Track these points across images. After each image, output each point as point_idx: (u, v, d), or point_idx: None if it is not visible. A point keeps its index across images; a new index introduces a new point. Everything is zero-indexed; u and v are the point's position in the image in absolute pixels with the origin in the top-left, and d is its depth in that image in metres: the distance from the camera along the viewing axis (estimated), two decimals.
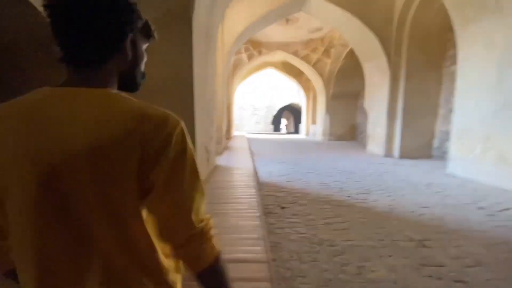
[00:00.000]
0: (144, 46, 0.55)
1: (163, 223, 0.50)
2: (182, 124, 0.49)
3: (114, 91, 0.50)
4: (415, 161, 7.09)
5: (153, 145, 0.45)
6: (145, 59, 0.56)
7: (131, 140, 0.44)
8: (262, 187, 4.10)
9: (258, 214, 2.64)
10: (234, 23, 7.44)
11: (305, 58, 13.03)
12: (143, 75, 0.56)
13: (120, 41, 0.49)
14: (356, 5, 7.39)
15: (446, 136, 7.20)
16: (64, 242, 0.44)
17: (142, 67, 0.56)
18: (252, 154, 7.63)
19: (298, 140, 13.89)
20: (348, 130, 13.56)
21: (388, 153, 7.87)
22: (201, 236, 0.52)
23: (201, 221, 0.52)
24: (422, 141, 7.64)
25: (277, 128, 27.28)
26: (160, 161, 0.45)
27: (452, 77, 7.08)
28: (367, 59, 8.52)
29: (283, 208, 3.39)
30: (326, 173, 5.39)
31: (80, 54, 0.47)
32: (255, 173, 4.66)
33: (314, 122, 16.87)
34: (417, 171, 5.70)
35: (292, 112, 26.03)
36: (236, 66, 12.98)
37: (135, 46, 0.52)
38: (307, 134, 17.78)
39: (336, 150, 9.50)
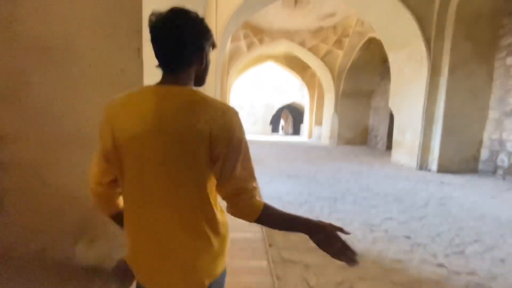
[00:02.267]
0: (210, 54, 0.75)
1: (228, 185, 0.68)
2: (239, 114, 0.71)
3: (193, 88, 0.72)
4: (461, 177, 5.50)
5: (219, 126, 0.63)
6: (209, 64, 0.75)
7: (203, 122, 0.63)
8: (274, 240, 2.41)
9: None
10: None
11: (313, 49, 11.37)
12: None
13: (200, 54, 0.71)
14: None
15: (498, 146, 5.63)
16: (159, 188, 0.65)
17: (208, 68, 0.76)
18: None
19: (302, 144, 12.25)
20: (359, 133, 11.97)
21: (423, 166, 6.26)
22: (252, 191, 0.69)
23: (254, 182, 0.70)
24: (467, 152, 6.06)
25: (275, 129, 25.65)
26: (223, 138, 0.64)
27: (508, 72, 5.51)
28: (396, 47, 6.88)
29: None
30: (363, 200, 3.73)
31: (172, 63, 0.68)
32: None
33: (319, 123, 15.25)
34: (483, 197, 4.09)
35: (291, 112, 24.40)
36: (233, 56, 11.25)
37: (206, 55, 0.73)
38: (310, 136, 16.16)
39: (352, 158, 7.86)
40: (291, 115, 26.12)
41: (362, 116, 11.85)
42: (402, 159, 6.80)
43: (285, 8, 9.31)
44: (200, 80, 0.75)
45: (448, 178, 5.43)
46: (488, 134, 5.93)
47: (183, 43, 0.65)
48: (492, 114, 5.86)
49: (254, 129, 20.01)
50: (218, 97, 6.77)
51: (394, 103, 7.28)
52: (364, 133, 11.96)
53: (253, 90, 19.90)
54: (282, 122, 29.19)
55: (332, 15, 9.68)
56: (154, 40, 0.67)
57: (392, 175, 5.48)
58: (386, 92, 10.59)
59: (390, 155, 8.66)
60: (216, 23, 5.73)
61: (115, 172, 0.70)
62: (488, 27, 5.74)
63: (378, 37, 8.75)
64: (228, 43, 10.35)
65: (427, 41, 5.94)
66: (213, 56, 5.88)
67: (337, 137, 11.89)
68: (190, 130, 0.62)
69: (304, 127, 17.72)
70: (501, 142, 5.59)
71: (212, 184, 0.68)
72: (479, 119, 5.97)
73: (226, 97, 11.50)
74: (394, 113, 7.30)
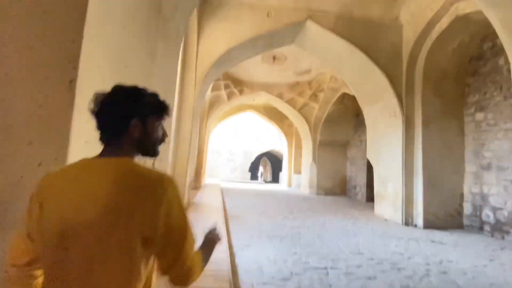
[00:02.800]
0: (158, 122, 0.77)
1: (163, 262, 0.67)
2: (175, 182, 0.68)
3: (130, 159, 0.73)
4: (449, 234, 5.21)
5: (152, 202, 0.62)
6: (159, 132, 0.78)
7: (134, 197, 0.62)
8: None
9: None
10: (213, 42, 5.81)
11: (291, 102, 11.79)
12: (161, 141, 0.79)
13: (125, 125, 0.71)
14: (359, 38, 6.26)
15: (481, 200, 5.57)
16: (84, 267, 0.60)
17: (156, 137, 0.77)
18: (227, 219, 5.27)
19: (282, 193, 11.74)
20: (337, 183, 11.83)
21: (408, 221, 5.95)
22: (188, 270, 0.70)
23: (190, 259, 0.70)
24: (450, 206, 5.91)
25: (254, 176, 25.14)
26: (157, 214, 0.62)
27: (479, 127, 5.78)
28: (370, 101, 7.19)
29: None
30: (357, 270, 3.17)
31: (108, 136, 0.72)
32: None
33: (298, 171, 15.08)
34: (481, 260, 3.73)
35: (270, 159, 24.38)
36: (214, 104, 11.28)
37: (145, 123, 0.73)
38: (290, 184, 15.79)
39: (335, 210, 7.44)
40: (270, 162, 26.04)
41: (339, 166, 11.88)
42: (386, 212, 6.49)
43: (265, 63, 9.80)
44: (147, 150, 0.77)
45: (437, 235, 5.11)
46: (468, 188, 5.91)
47: (116, 117, 0.71)
48: (469, 168, 5.94)
49: (233, 176, 19.36)
50: (194, 143, 6.34)
51: (371, 155, 7.29)
52: (342, 183, 11.84)
53: (233, 136, 19.88)
54: (261, 169, 28.91)
55: (307, 71, 10.32)
56: (94, 116, 0.71)
57: (380, 233, 5.06)
58: (361, 144, 10.88)
59: (371, 206, 8.38)
60: (196, 71, 5.64)
61: (36, 251, 0.66)
62: (454, 85, 6.19)
63: (352, 92, 9.28)
64: (209, 92, 10.44)
65: (399, 97, 6.24)
66: (190, 103, 5.65)
67: (317, 187, 11.61)
68: (120, 207, 0.60)
69: (283, 175, 17.45)
70: (483, 196, 5.54)
71: (145, 264, 0.63)
72: (457, 171, 6.01)
73: (204, 143, 11.11)
74: (372, 164, 7.25)
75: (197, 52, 5.59)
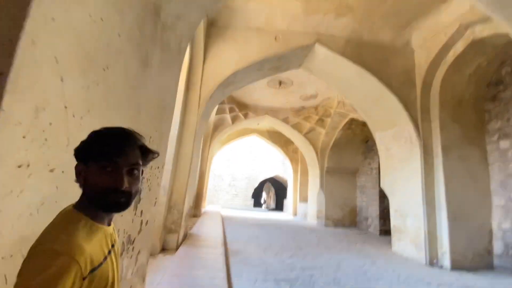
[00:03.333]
0: (105, 167, 0.66)
1: None
2: (74, 269, 0.54)
3: (70, 212, 0.65)
4: (482, 277, 4.51)
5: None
6: (110, 179, 0.65)
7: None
8: None
9: None
10: (219, 63, 5.63)
11: (296, 126, 11.51)
12: (115, 191, 0.66)
13: (78, 174, 0.68)
14: (370, 62, 6.05)
15: None
16: None
17: (101, 186, 0.65)
18: (227, 256, 4.66)
19: (288, 224, 10.98)
20: (347, 213, 11.09)
21: (433, 261, 5.25)
22: None
23: None
24: (479, 245, 5.24)
25: (257, 202, 24.26)
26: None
27: (504, 155, 5.31)
28: (382, 127, 6.82)
29: None
30: None
31: None
32: None
33: (304, 199, 14.37)
34: None
35: (274, 185, 23.64)
36: (218, 127, 11.03)
37: (87, 174, 0.66)
38: (295, 213, 14.98)
39: (348, 247, 6.73)
40: (273, 189, 25.25)
41: (349, 194, 11.23)
42: (406, 250, 5.79)
43: (270, 87, 9.69)
44: (93, 201, 0.67)
45: (469, 279, 4.41)
46: (497, 223, 5.28)
47: None
48: (497, 201, 5.36)
49: (235, 202, 18.59)
50: (195, 168, 5.92)
51: (386, 184, 6.75)
52: (352, 214, 11.09)
53: (235, 161, 19.44)
54: (264, 195, 28.02)
55: (313, 96, 10.14)
56: None
57: (404, 276, 4.38)
58: (371, 172, 10.34)
59: (386, 241, 7.64)
60: (200, 91, 5.40)
61: None
62: (473, 110, 5.83)
63: (361, 118, 8.98)
64: (213, 114, 10.24)
65: (415, 122, 5.87)
66: (192, 124, 5.34)
67: (325, 217, 10.86)
68: None
69: (288, 202, 16.67)
70: None
71: None
72: (483, 205, 5.42)
73: (206, 167, 10.67)
74: (387, 195, 6.68)
75: (202, 71, 5.39)
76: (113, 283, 0.65)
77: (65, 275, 0.51)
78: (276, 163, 19.61)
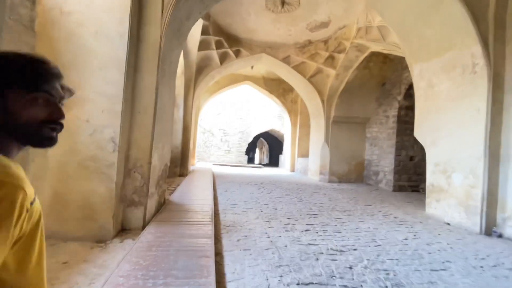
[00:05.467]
0: (29, 97, 0.56)
1: None
2: (20, 196, 0.49)
3: None
4: None
5: None
6: (38, 109, 0.57)
7: None
8: None
9: None
10: None
11: (299, 68, 9.49)
12: (46, 122, 0.58)
13: None
14: None
15: None
16: None
17: (30, 117, 0.56)
18: (218, 234, 3.21)
19: (287, 180, 9.75)
20: (353, 168, 9.88)
21: (490, 228, 4.01)
22: None
23: None
24: None
25: (251, 159, 23.19)
26: None
27: None
28: (428, 54, 4.98)
29: None
30: None
31: None
32: None
33: (303, 154, 13.10)
34: None
35: (269, 140, 22.30)
36: (202, 69, 8.89)
37: (5, 100, 0.54)
38: (293, 169, 13.86)
39: (367, 209, 5.47)
40: (267, 144, 24.03)
41: (357, 147, 9.86)
42: (450, 214, 4.53)
43: (270, 11, 7.39)
44: (20, 136, 0.57)
45: None
46: None
47: None
48: None
49: (228, 159, 17.31)
50: (169, 112, 4.14)
51: (423, 132, 5.21)
52: (359, 168, 9.89)
53: (227, 115, 17.58)
54: (256, 151, 26.93)
55: (325, 24, 7.94)
56: None
57: (473, 253, 3.08)
58: (386, 121, 8.81)
59: (404, 199, 6.48)
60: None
61: None
62: None
63: (386, 50, 7.03)
64: (195, 50, 8.02)
65: (484, 41, 4.06)
66: (154, 39, 3.36)
67: (330, 173, 9.65)
68: None
69: (285, 158, 15.47)
70: None
71: None
72: None
73: (191, 118, 8.87)
74: (424, 145, 5.20)
75: None
76: (40, 223, 0.57)
77: (15, 203, 0.48)
78: (271, 117, 17.88)
